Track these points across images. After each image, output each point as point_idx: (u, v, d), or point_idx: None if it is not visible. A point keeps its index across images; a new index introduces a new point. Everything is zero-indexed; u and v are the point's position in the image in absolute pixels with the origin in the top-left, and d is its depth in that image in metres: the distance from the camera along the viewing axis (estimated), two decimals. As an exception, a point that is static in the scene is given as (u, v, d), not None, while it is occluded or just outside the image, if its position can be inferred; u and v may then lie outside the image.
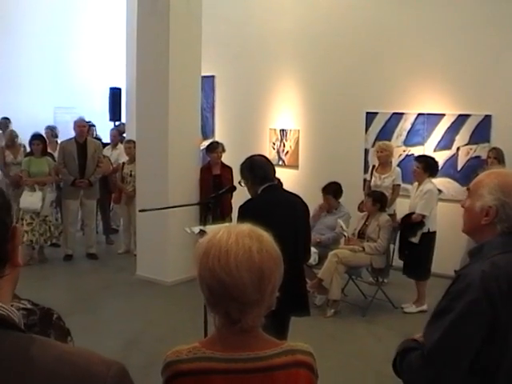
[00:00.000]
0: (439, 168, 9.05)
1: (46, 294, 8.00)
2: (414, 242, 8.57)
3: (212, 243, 2.15)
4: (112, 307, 8.83)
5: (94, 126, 13.63)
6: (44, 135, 11.82)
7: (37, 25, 16.49)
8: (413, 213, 8.56)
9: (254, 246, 2.12)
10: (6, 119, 14.25)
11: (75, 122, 11.30)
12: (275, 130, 12.31)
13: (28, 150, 11.63)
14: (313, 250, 7.63)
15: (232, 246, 2.10)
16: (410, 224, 8.57)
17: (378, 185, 9.53)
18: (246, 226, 2.22)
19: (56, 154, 11.45)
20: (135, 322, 8.15)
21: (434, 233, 8.64)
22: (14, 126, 13.14)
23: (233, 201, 9.22)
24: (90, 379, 1.30)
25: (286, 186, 7.09)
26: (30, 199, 10.36)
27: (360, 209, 9.46)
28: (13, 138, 12.02)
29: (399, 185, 9.61)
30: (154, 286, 9.58)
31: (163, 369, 2.28)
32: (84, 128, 11.11)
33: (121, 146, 12.21)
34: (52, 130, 13.72)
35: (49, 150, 11.53)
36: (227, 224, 5.51)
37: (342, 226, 8.93)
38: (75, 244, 11.25)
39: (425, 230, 8.52)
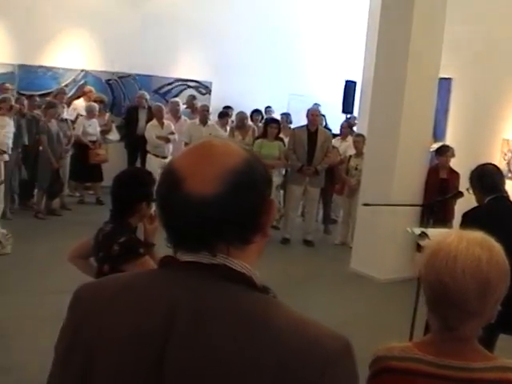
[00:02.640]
0: None
1: (261, 272, 8.26)
2: None
3: (441, 246, 2.14)
4: (321, 295, 8.94)
5: (323, 115, 13.80)
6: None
7: (276, 12, 16.92)
8: None
9: (483, 255, 2.09)
10: (229, 107, 14.91)
11: (308, 111, 11.55)
12: (508, 140, 11.84)
13: (256, 133, 12.11)
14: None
15: (461, 252, 2.09)
16: None
17: None
18: (479, 234, 2.18)
19: (287, 140, 11.78)
20: (341, 312, 8.19)
21: None
22: (250, 110, 13.69)
23: (455, 207, 9.05)
24: (317, 348, 1.40)
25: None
26: (257, 180, 10.68)
27: None
28: (243, 119, 12.50)
29: None
30: (366, 281, 9.58)
31: (372, 362, 2.32)
32: (317, 117, 11.33)
33: (350, 139, 12.32)
34: (287, 116, 14.20)
35: (281, 135, 11.88)
36: (448, 229, 5.44)
37: None
38: (294, 229, 11.51)
39: None
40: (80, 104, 14.07)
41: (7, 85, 13.23)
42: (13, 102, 10.58)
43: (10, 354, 6.19)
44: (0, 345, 6.21)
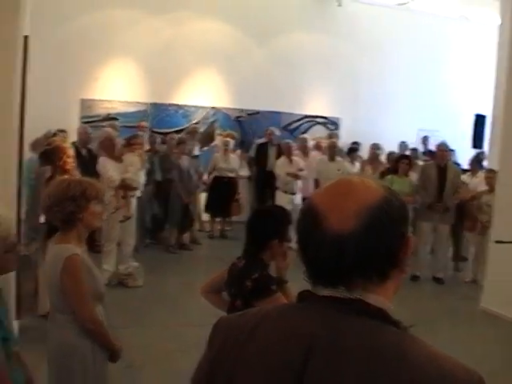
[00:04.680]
0: None
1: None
2: None
3: None
4: (450, 333, 8.69)
5: (453, 150, 13.58)
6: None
7: (403, 48, 16.87)
8: None
9: None
10: (357, 143, 14.92)
11: (437, 146, 11.41)
12: None
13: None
14: None
15: None
16: None
17: None
18: None
19: (413, 175, 11.64)
20: (470, 352, 7.84)
21: None
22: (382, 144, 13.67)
23: None
24: (452, 382, 1.40)
25: None
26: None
27: None
28: (375, 153, 12.47)
29: None
30: (496, 320, 9.27)
31: None
32: (446, 152, 11.16)
33: (480, 174, 12.04)
34: (415, 152, 14.13)
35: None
36: None
37: None
38: (423, 266, 11.34)
39: None
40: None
41: (143, 123, 13.73)
42: (145, 140, 10.94)
43: (137, 385, 6.38)
44: (127, 375, 6.33)
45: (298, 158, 13.02)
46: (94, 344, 3.95)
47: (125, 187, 9.79)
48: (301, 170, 12.74)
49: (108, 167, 9.70)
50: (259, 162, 14.38)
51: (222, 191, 13.20)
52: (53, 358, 3.96)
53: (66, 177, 6.43)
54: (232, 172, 13.39)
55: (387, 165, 12.47)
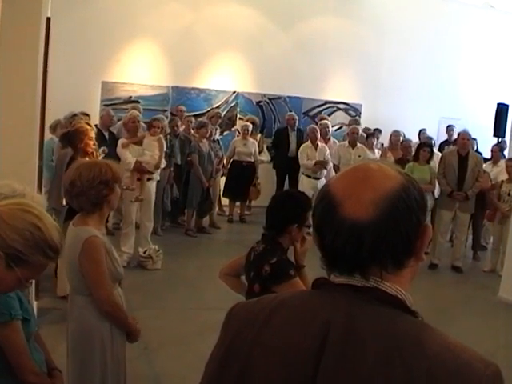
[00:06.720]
0: None
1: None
2: None
3: None
4: (467, 323, 8.64)
5: (474, 139, 13.48)
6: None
7: (424, 33, 16.75)
8: None
9: None
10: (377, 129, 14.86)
11: (459, 134, 11.35)
12: None
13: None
14: None
15: None
16: None
17: None
18: None
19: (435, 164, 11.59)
20: (487, 342, 7.81)
21: None
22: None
23: None
24: (468, 373, 1.39)
25: None
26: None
27: None
28: (397, 140, 12.42)
29: None
30: (515, 310, 9.26)
31: None
32: (467, 141, 11.09)
33: (502, 163, 11.97)
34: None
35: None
36: None
37: None
38: (442, 254, 11.31)
39: None
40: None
41: (181, 107, 13.77)
42: (165, 123, 10.96)
43: (152, 366, 6.38)
44: (143, 356, 6.39)
45: (323, 145, 12.92)
46: (113, 325, 3.98)
47: (140, 170, 9.84)
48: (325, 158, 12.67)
49: (125, 149, 9.76)
50: (280, 147, 14.34)
51: (241, 175, 13.20)
52: (72, 338, 4.00)
53: (94, 160, 6.45)
54: (250, 156, 13.36)
55: (401, 153, 12.35)
